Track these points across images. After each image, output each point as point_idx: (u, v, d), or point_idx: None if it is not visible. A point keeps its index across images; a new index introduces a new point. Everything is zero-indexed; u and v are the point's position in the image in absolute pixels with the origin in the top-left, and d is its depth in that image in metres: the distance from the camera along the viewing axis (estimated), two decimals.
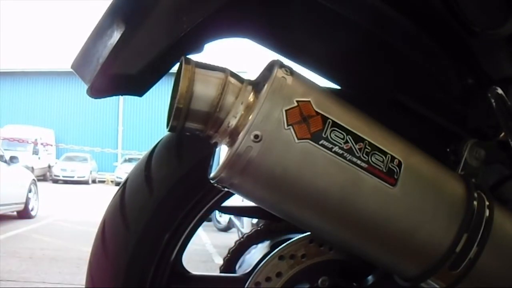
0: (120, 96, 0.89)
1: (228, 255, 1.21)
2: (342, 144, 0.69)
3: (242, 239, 1.22)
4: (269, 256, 0.93)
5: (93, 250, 0.94)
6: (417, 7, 0.85)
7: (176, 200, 0.92)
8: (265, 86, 0.68)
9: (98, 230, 0.95)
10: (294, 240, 0.93)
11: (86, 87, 0.78)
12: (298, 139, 0.67)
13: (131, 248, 0.90)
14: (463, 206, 0.77)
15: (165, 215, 0.92)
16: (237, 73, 0.72)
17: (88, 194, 15.81)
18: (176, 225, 0.93)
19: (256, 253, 1.15)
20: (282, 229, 1.16)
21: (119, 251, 0.91)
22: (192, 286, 1.00)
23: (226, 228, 8.14)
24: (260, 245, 1.18)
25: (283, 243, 0.94)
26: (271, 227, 1.20)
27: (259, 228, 1.21)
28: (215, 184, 0.72)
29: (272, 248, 1.01)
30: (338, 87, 0.96)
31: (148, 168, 0.93)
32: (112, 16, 0.78)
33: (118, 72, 0.77)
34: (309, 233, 0.93)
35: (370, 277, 0.93)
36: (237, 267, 1.17)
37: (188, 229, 0.96)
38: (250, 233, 1.22)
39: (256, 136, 0.66)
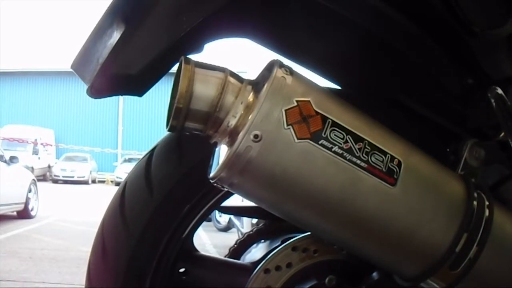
0: (120, 96, 0.89)
1: (228, 255, 1.21)
2: (342, 144, 0.69)
3: (242, 239, 1.22)
4: (282, 245, 0.93)
5: (93, 250, 0.94)
6: (417, 7, 0.85)
7: (176, 200, 0.92)
8: (265, 86, 0.68)
9: (97, 230, 0.95)
10: (309, 234, 0.93)
11: (86, 87, 0.78)
12: (298, 139, 0.67)
13: (131, 249, 0.90)
14: (463, 206, 0.77)
15: (165, 215, 0.92)
16: (237, 73, 0.72)
17: (88, 194, 15.81)
18: (176, 225, 0.93)
19: (256, 252, 1.15)
20: (282, 229, 1.16)
21: (119, 252, 0.91)
22: (198, 265, 1.00)
23: (226, 228, 8.14)
24: (261, 245, 1.18)
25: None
26: (271, 227, 1.20)
27: (258, 228, 1.22)
28: (215, 184, 0.72)
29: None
30: (338, 87, 0.96)
31: (148, 168, 0.93)
32: (112, 16, 0.78)
33: (118, 72, 0.77)
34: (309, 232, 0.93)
35: (369, 277, 0.93)
36: None
37: (188, 229, 0.96)
38: (250, 232, 1.22)
39: (255, 136, 0.66)
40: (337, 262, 0.93)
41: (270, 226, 1.21)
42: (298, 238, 0.93)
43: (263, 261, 0.92)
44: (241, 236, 1.25)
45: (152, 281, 0.92)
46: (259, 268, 0.91)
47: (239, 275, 0.96)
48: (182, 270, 0.98)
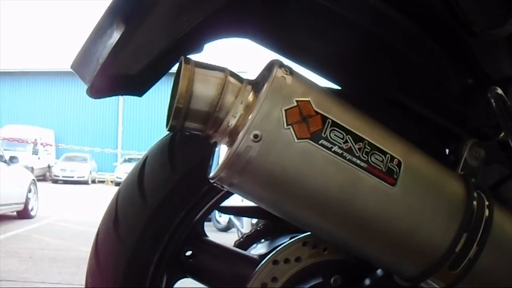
0: (120, 96, 0.89)
1: None
2: (342, 143, 0.69)
3: (241, 240, 1.22)
4: (293, 239, 0.93)
5: (92, 251, 0.94)
6: (417, 7, 0.85)
7: (176, 200, 0.92)
8: (265, 86, 0.68)
9: (112, 199, 0.96)
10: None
11: (86, 87, 0.78)
12: (297, 138, 0.67)
13: (123, 270, 0.90)
14: (462, 206, 0.77)
15: (164, 216, 0.92)
16: (237, 73, 0.72)
17: (88, 194, 15.81)
18: (175, 225, 0.93)
19: (262, 247, 1.15)
20: (282, 229, 1.16)
21: (131, 223, 0.91)
22: (206, 250, 1.00)
23: (226, 228, 8.13)
24: (259, 245, 1.18)
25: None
26: (270, 227, 1.20)
27: (258, 228, 1.21)
28: (215, 184, 0.72)
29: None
30: (338, 87, 0.96)
31: (171, 148, 0.93)
32: (112, 16, 0.78)
33: (118, 72, 0.77)
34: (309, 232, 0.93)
35: (369, 277, 0.93)
36: None
37: (201, 213, 0.95)
38: (249, 233, 1.22)
39: (255, 136, 0.66)
40: (344, 263, 0.93)
41: (276, 225, 1.20)
42: (310, 234, 0.93)
43: (273, 252, 0.92)
44: (241, 235, 1.25)
45: (151, 281, 0.92)
46: (268, 258, 0.91)
47: (245, 266, 0.96)
48: (189, 253, 0.98)
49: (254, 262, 0.95)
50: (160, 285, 0.95)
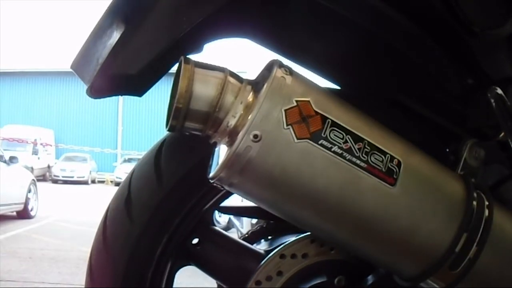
0: (120, 96, 0.89)
1: None
2: (342, 144, 0.69)
3: (246, 235, 1.21)
4: (301, 236, 0.93)
5: (99, 229, 0.95)
6: (417, 7, 0.85)
7: (176, 200, 0.92)
8: (265, 86, 0.68)
9: (124, 181, 0.96)
10: None
11: (85, 87, 0.78)
12: (297, 138, 0.67)
13: (130, 249, 0.90)
14: (462, 206, 0.77)
15: (178, 199, 0.92)
16: (236, 73, 0.72)
17: (88, 194, 15.80)
18: (175, 225, 0.93)
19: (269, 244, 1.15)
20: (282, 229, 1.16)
21: (144, 204, 0.91)
22: (212, 239, 1.00)
23: (226, 228, 8.12)
24: (264, 242, 1.18)
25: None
26: (269, 227, 1.20)
27: (264, 226, 1.21)
28: (215, 184, 0.72)
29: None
30: (338, 87, 0.96)
31: (156, 165, 0.93)
32: (111, 16, 0.78)
33: (118, 72, 0.77)
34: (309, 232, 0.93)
35: (369, 277, 0.93)
36: None
37: (211, 202, 0.95)
38: (255, 229, 1.22)
39: (255, 136, 0.66)
40: (348, 264, 0.93)
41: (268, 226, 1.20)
42: None
43: (281, 246, 0.92)
44: (242, 234, 1.24)
45: (151, 281, 0.92)
46: (275, 252, 0.91)
47: (250, 260, 0.95)
48: (196, 241, 0.98)
49: (259, 256, 0.95)
50: (164, 270, 0.95)
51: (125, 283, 0.91)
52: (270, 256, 0.91)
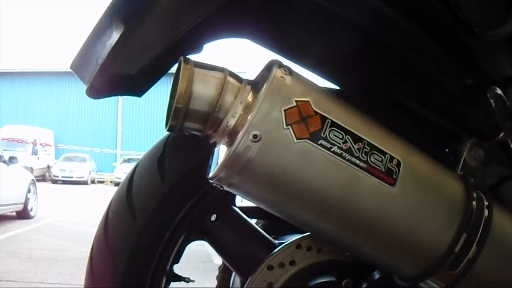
0: (119, 96, 0.89)
1: None
2: (341, 144, 0.69)
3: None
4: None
5: (101, 222, 0.95)
6: (417, 7, 0.85)
7: (175, 200, 0.92)
8: (264, 86, 0.68)
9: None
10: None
11: (85, 87, 0.78)
12: (297, 139, 0.67)
13: (130, 248, 0.90)
14: (462, 206, 0.77)
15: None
16: (236, 73, 0.72)
17: (87, 194, 15.80)
18: (175, 225, 0.93)
19: None
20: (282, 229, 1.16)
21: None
22: (229, 219, 0.99)
23: None
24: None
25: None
26: (269, 227, 1.20)
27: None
28: (214, 184, 0.72)
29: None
30: (338, 87, 0.96)
31: (159, 161, 0.93)
32: (111, 16, 0.78)
33: (117, 72, 0.77)
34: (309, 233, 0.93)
35: (369, 277, 0.93)
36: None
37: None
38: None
39: (255, 136, 0.66)
40: (358, 267, 0.92)
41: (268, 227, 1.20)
42: None
43: (299, 236, 0.91)
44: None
45: (151, 282, 0.92)
46: (293, 241, 0.91)
47: (261, 247, 0.95)
48: (213, 218, 0.97)
49: (272, 246, 0.94)
50: (175, 243, 0.95)
51: (127, 278, 0.91)
52: (287, 244, 0.91)
